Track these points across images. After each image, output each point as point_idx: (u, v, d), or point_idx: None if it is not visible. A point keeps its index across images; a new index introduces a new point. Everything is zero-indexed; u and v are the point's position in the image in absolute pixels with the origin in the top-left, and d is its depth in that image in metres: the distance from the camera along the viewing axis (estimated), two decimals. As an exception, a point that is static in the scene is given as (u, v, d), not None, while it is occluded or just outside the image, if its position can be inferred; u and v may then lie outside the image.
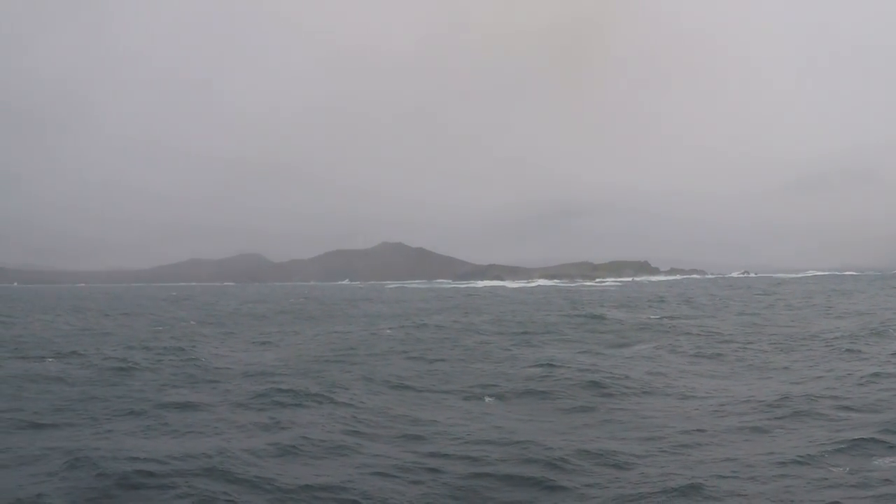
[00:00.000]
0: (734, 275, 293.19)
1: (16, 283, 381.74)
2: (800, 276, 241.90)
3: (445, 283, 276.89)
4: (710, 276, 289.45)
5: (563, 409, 20.97)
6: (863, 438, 16.01)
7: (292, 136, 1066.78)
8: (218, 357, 32.01)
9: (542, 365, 28.02)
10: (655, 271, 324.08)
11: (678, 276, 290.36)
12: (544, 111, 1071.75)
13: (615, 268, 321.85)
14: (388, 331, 44.95)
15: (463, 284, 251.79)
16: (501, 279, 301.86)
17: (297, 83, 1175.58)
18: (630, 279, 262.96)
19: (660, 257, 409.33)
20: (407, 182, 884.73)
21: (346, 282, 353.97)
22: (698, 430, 17.64)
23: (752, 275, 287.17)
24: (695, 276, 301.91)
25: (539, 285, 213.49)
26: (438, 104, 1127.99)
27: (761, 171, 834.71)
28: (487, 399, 22.35)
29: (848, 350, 30.75)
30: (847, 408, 19.50)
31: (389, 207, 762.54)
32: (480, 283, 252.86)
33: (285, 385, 23.42)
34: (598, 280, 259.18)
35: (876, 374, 24.02)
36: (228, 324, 54.69)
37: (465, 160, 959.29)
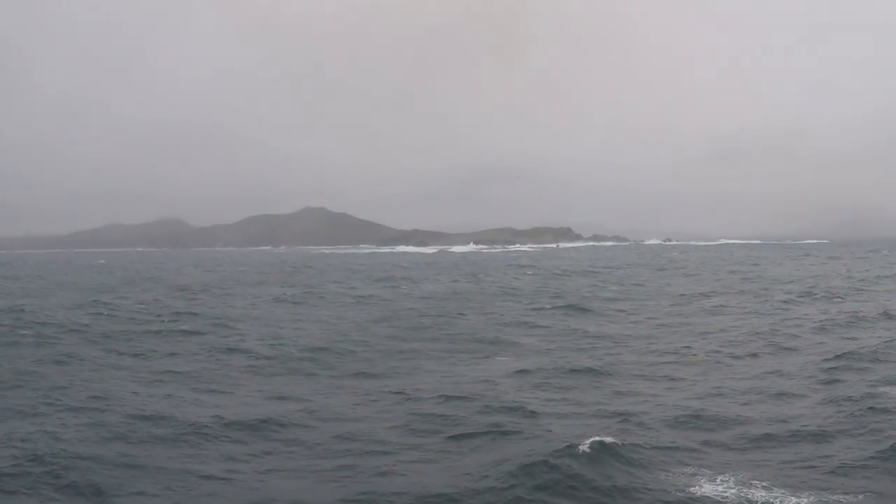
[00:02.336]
0: (652, 242, 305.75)
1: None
2: (714, 244, 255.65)
3: (370, 249, 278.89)
4: (625, 244, 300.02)
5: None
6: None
7: (215, 101, 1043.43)
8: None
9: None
10: (577, 238, 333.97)
11: (599, 243, 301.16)
12: (468, 80, 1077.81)
13: (537, 234, 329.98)
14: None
15: (385, 249, 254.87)
16: (426, 244, 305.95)
17: (224, 47, 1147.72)
18: (555, 245, 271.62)
19: (583, 224, 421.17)
20: (330, 147, 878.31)
21: (267, 248, 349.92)
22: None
23: (675, 242, 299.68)
24: (607, 242, 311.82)
25: (470, 250, 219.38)
26: (362, 72, 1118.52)
27: (681, 142, 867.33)
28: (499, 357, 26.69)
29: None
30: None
31: (312, 172, 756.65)
32: (399, 249, 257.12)
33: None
34: (517, 246, 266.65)
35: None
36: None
37: (389, 127, 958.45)
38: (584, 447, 15.06)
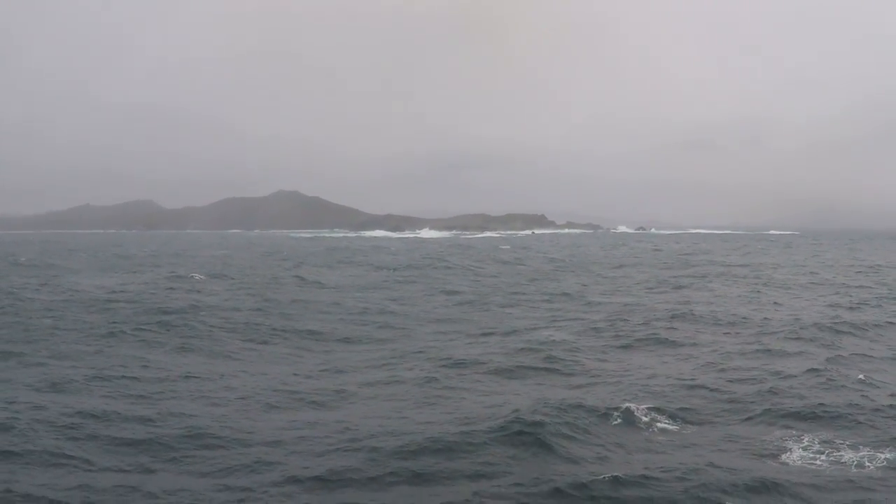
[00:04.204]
0: (622, 230, 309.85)
1: None
2: (685, 232, 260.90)
3: (343, 233, 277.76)
4: (589, 231, 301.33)
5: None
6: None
7: (190, 83, 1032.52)
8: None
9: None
10: (551, 224, 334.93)
11: (572, 230, 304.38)
12: (446, 68, 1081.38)
13: (510, 220, 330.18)
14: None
15: (353, 234, 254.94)
16: (401, 229, 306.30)
17: (202, 32, 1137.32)
18: (530, 232, 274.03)
19: (557, 211, 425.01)
20: (304, 132, 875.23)
21: (239, 231, 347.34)
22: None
23: (654, 231, 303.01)
24: (574, 230, 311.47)
25: (440, 236, 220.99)
26: (340, 57, 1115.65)
27: (655, 134, 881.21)
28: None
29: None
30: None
31: (286, 156, 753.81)
32: (368, 234, 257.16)
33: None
34: (487, 232, 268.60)
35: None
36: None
37: (365, 112, 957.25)
38: (656, 413, 17.27)
